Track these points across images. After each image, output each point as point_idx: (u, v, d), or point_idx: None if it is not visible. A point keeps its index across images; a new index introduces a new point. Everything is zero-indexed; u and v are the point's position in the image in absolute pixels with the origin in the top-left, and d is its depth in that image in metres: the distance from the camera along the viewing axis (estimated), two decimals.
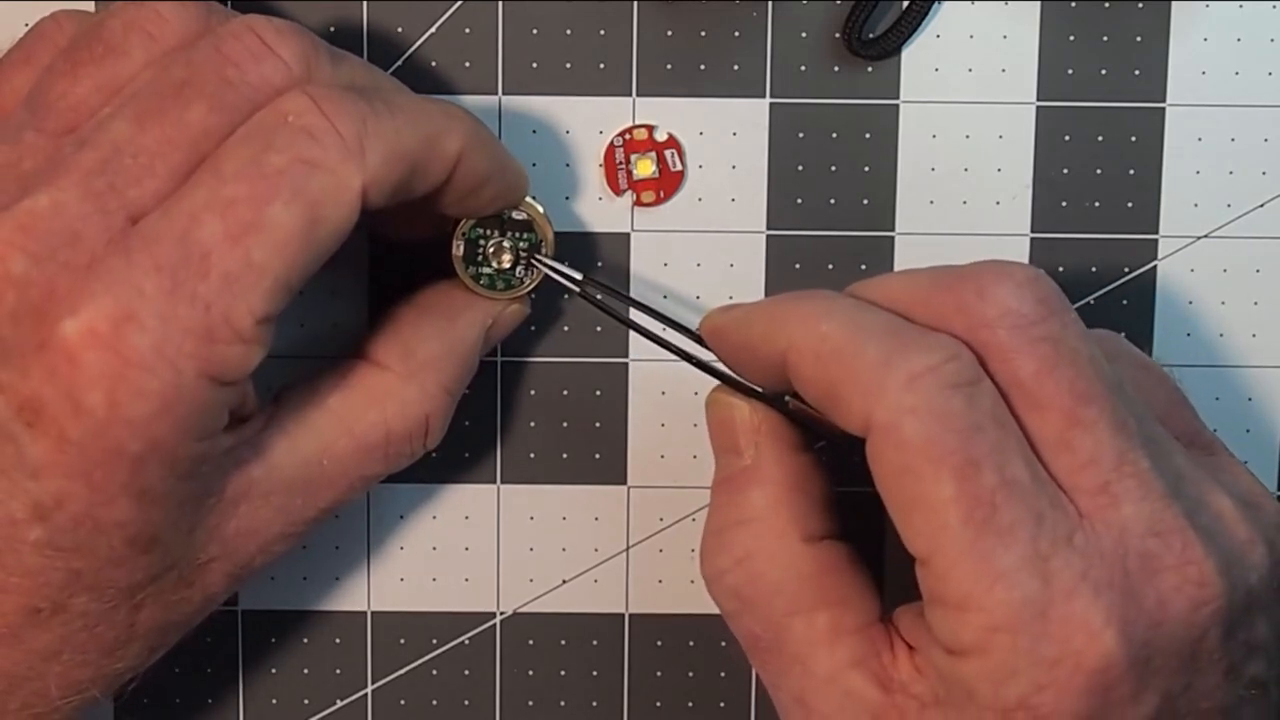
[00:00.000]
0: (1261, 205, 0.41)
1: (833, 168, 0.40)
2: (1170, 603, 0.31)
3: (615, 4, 0.40)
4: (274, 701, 0.42)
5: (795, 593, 0.34)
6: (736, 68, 0.40)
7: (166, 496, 0.32)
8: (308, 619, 0.42)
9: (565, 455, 0.41)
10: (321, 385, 0.36)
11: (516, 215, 0.38)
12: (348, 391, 0.36)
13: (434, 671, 0.42)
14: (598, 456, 0.41)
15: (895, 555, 0.34)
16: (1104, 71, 0.40)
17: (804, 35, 0.40)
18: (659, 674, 0.42)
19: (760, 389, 0.36)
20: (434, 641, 0.42)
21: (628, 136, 0.40)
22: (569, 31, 0.40)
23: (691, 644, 0.42)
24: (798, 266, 0.41)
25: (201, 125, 0.32)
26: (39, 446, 0.31)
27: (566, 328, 0.41)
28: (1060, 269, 0.41)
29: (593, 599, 0.42)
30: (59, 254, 0.31)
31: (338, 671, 0.42)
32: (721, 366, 0.36)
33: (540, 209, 0.38)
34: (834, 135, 0.40)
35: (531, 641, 0.42)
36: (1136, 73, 0.40)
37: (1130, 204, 0.41)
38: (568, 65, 0.40)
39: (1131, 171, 0.41)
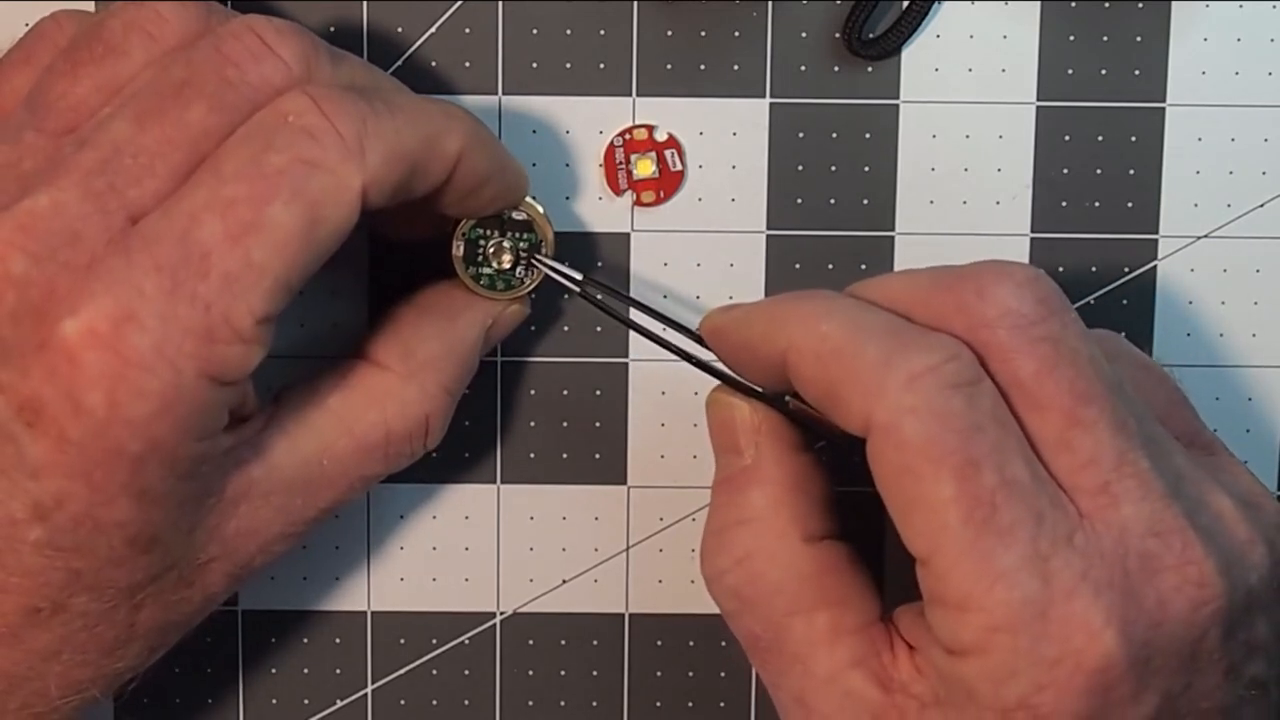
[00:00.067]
0: (1261, 205, 0.41)
1: (833, 168, 0.40)
2: (1170, 603, 0.31)
3: (615, 4, 0.40)
4: (274, 701, 0.42)
5: (795, 593, 0.34)
6: (736, 68, 0.40)
7: (166, 496, 0.32)
8: (308, 619, 0.42)
9: (565, 455, 0.41)
10: (321, 385, 0.36)
11: (516, 215, 0.38)
12: (348, 391, 0.36)
13: (434, 671, 0.42)
14: (598, 456, 0.41)
15: (895, 555, 0.34)
16: (1104, 71, 0.40)
17: (804, 35, 0.40)
18: (659, 674, 0.42)
19: (760, 389, 0.36)
20: (434, 641, 0.42)
21: (628, 136, 0.40)
22: (569, 31, 0.40)
23: (691, 644, 0.42)
24: (798, 266, 0.41)
25: (201, 125, 0.32)
26: (39, 446, 0.31)
27: (566, 328, 0.41)
28: (1060, 269, 0.41)
29: (593, 599, 0.42)
30: (59, 254, 0.31)
31: (338, 671, 0.42)
32: (721, 366, 0.36)
33: (540, 209, 0.38)
34: (834, 135, 0.40)
35: (531, 641, 0.42)
36: (1136, 73, 0.40)
37: (1130, 204, 0.41)
38: (568, 65, 0.40)
39: (1131, 171, 0.41)
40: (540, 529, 0.42)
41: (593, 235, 0.41)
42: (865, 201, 0.41)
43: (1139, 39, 0.40)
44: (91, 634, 0.34)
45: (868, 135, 0.40)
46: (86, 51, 0.34)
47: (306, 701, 0.42)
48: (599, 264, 0.41)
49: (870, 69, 0.40)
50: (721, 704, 0.42)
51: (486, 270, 0.38)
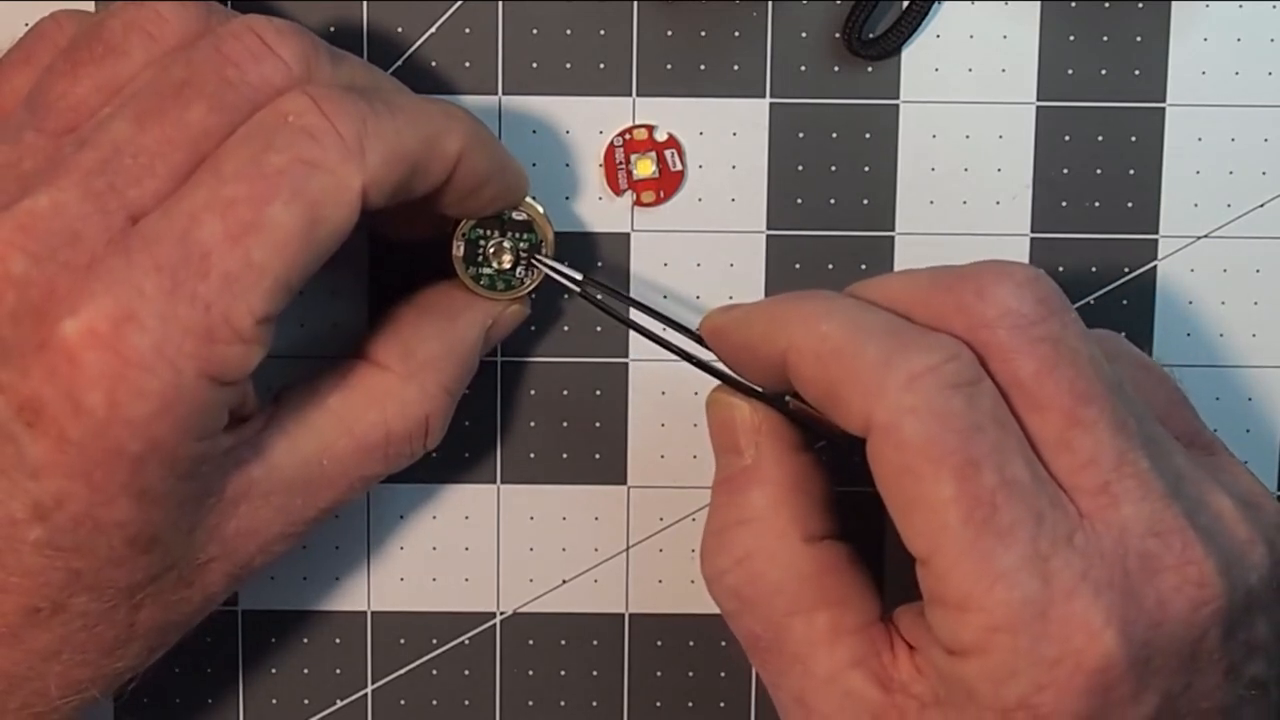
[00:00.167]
0: (1261, 205, 0.41)
1: (833, 168, 0.40)
2: (1170, 603, 0.31)
3: (615, 4, 0.40)
4: (274, 701, 0.42)
5: (795, 593, 0.34)
6: (736, 68, 0.40)
7: (166, 496, 0.32)
8: (308, 619, 0.42)
9: (565, 455, 0.41)
10: (321, 385, 0.36)
11: (516, 215, 0.38)
12: (348, 391, 0.36)
13: (434, 671, 0.42)
14: (598, 456, 0.41)
15: (895, 555, 0.34)
16: (1104, 71, 0.40)
17: (804, 35, 0.40)
18: (659, 674, 0.42)
19: (760, 389, 0.36)
20: (434, 641, 0.42)
21: (628, 136, 0.40)
22: (569, 31, 0.40)
23: (691, 644, 0.42)
24: (798, 266, 0.41)
25: (201, 125, 0.32)
26: (39, 446, 0.31)
27: (566, 328, 0.41)
28: (1060, 269, 0.41)
29: (593, 599, 0.42)
30: (59, 254, 0.31)
31: (338, 671, 0.42)
32: (721, 366, 0.36)
33: (540, 209, 0.38)
34: (834, 135, 0.40)
35: (531, 641, 0.42)
36: (1136, 73, 0.40)
37: (1130, 204, 0.41)
38: (568, 65, 0.40)
39: (1131, 171, 0.41)
40: (540, 529, 0.42)
41: (593, 235, 0.41)
42: (865, 201, 0.41)
43: (1139, 39, 0.40)
44: (91, 634, 0.34)
45: (868, 135, 0.40)
46: (86, 51, 0.34)
47: (306, 701, 0.42)
48: (599, 264, 0.41)
49: (870, 69, 0.40)
50: (721, 704, 0.42)
51: (486, 270, 0.38)
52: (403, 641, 0.42)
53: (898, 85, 0.40)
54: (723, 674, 0.42)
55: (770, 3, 0.40)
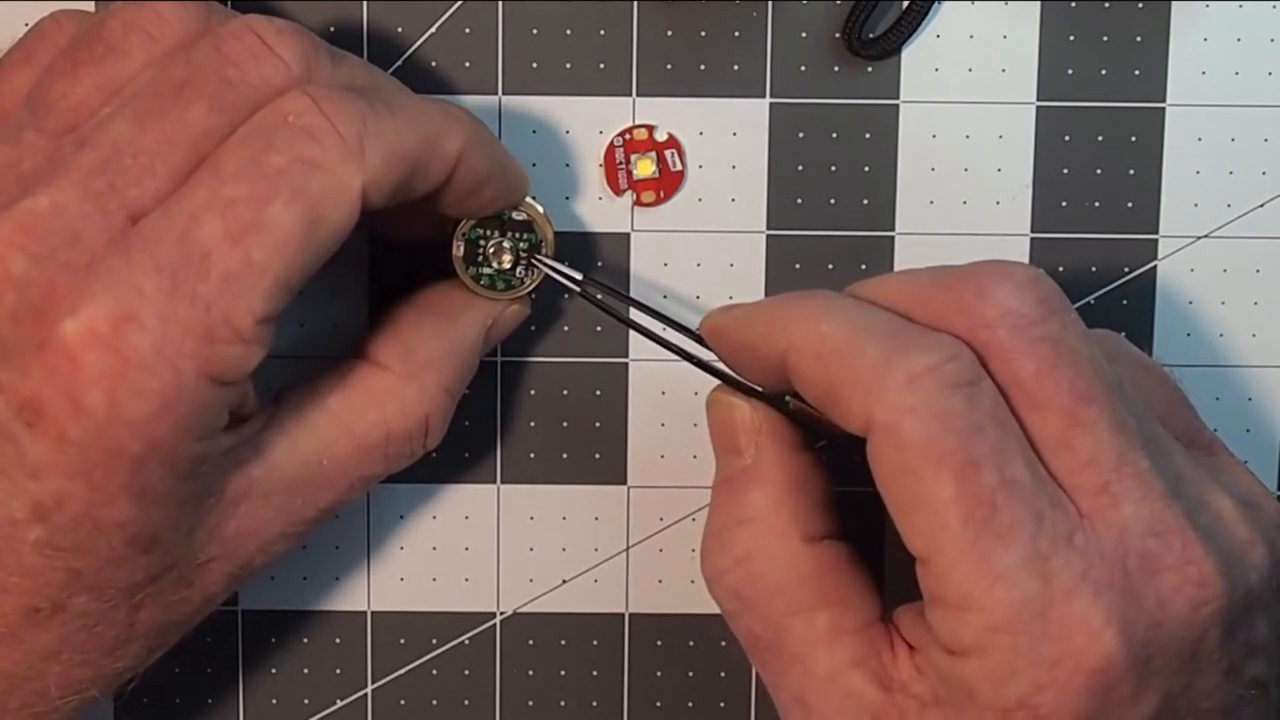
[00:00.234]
0: (1261, 205, 0.41)
1: (833, 168, 0.40)
2: (1170, 603, 0.31)
3: (615, 4, 0.40)
4: (274, 701, 0.42)
5: (795, 593, 0.34)
6: (736, 68, 0.40)
7: (166, 496, 0.32)
8: (308, 619, 0.42)
9: (565, 455, 0.41)
10: (321, 385, 0.36)
11: (516, 215, 0.38)
12: (348, 391, 0.36)
13: (434, 671, 0.42)
14: (598, 456, 0.41)
15: (895, 555, 0.34)
16: (1104, 71, 0.40)
17: (804, 35, 0.40)
18: (659, 674, 0.42)
19: (760, 389, 0.36)
20: (434, 641, 0.42)
21: (628, 136, 0.40)
22: (569, 31, 0.40)
23: (691, 644, 0.42)
24: (798, 266, 0.41)
25: (201, 125, 0.32)
26: (39, 446, 0.31)
27: (566, 328, 0.41)
28: (1060, 269, 0.41)
29: (593, 599, 0.42)
30: (59, 254, 0.31)
31: (338, 671, 0.42)
32: (722, 366, 0.36)
33: (540, 209, 0.38)
34: (834, 135, 0.40)
35: (531, 641, 0.42)
36: (1136, 73, 0.40)
37: (1130, 204, 0.41)
38: (568, 65, 0.40)
39: (1131, 171, 0.41)
40: (540, 529, 0.42)
41: (593, 235, 0.41)
42: (865, 201, 0.41)
43: (1139, 39, 0.40)
44: (91, 634, 0.34)
45: (868, 135, 0.40)
46: (86, 51, 0.34)
47: (306, 701, 0.42)
48: (599, 264, 0.41)
49: (870, 69, 0.40)
50: (721, 704, 0.42)
51: (486, 270, 0.38)
52: (403, 641, 0.42)
53: (898, 85, 0.40)
54: (723, 674, 0.42)
55: (770, 3, 0.40)
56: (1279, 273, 0.41)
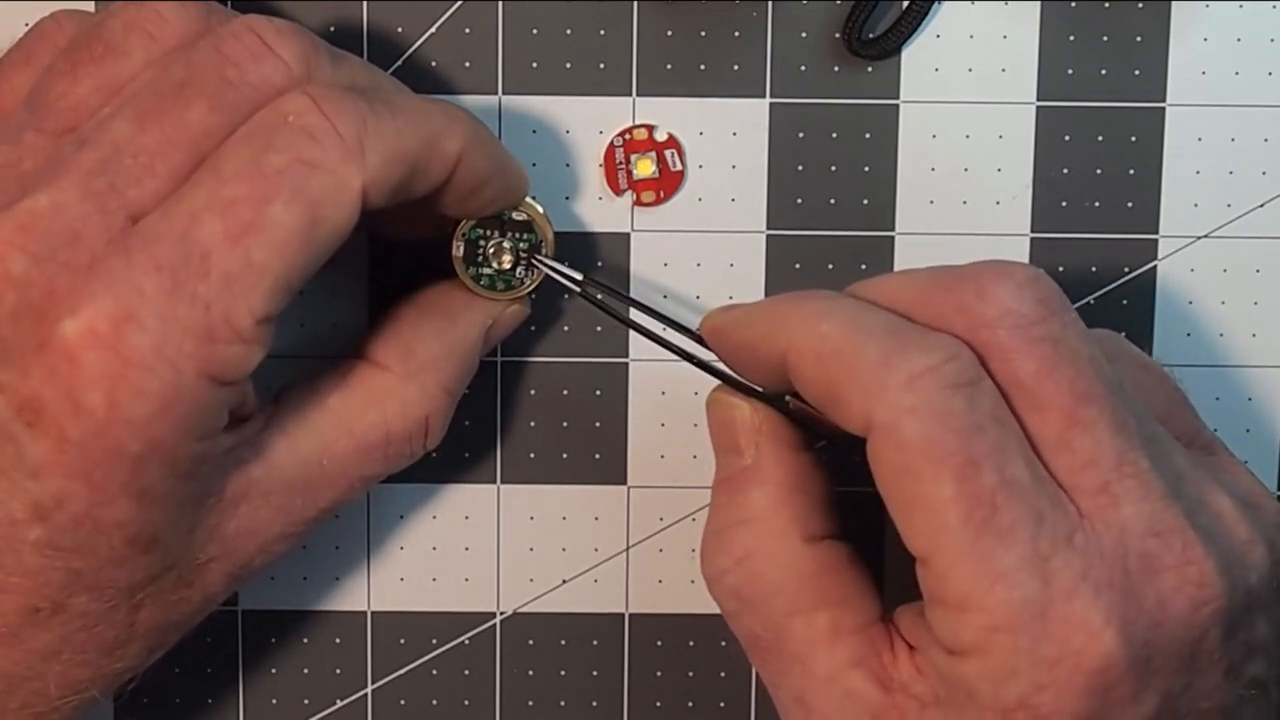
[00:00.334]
0: (1261, 205, 0.41)
1: (833, 168, 0.40)
2: (1170, 603, 0.31)
3: (615, 4, 0.40)
4: (274, 701, 0.42)
5: (795, 593, 0.34)
6: (736, 68, 0.40)
7: (166, 496, 0.32)
8: (308, 619, 0.42)
9: (565, 455, 0.41)
10: (321, 385, 0.36)
11: (516, 216, 0.38)
12: (348, 391, 0.36)
13: (434, 671, 0.42)
14: (598, 456, 0.41)
15: (895, 555, 0.34)
16: (1104, 71, 0.40)
17: (804, 35, 0.40)
18: (659, 674, 0.42)
19: (760, 389, 0.36)
20: (434, 641, 0.42)
21: (628, 136, 0.40)
22: (569, 31, 0.40)
23: (691, 644, 0.42)
24: (798, 266, 0.41)
25: (201, 125, 0.32)
26: (39, 446, 0.31)
27: (566, 328, 0.41)
28: (1060, 269, 0.41)
29: (593, 599, 0.42)
30: (59, 254, 0.31)
31: (338, 671, 0.42)
32: (722, 366, 0.36)
33: (540, 209, 0.38)
34: (834, 135, 0.40)
35: (531, 641, 0.42)
36: (1136, 73, 0.40)
37: (1130, 204, 0.41)
38: (568, 65, 0.40)
39: (1131, 171, 0.41)
40: (540, 529, 0.42)
41: (593, 235, 0.41)
42: (865, 201, 0.41)
43: (1139, 39, 0.40)
44: (91, 634, 0.34)
45: (868, 135, 0.40)
46: (86, 51, 0.34)
47: (306, 701, 0.42)
48: (599, 264, 0.41)
49: (870, 69, 0.40)
50: (721, 704, 0.42)
51: (486, 270, 0.38)
52: (403, 641, 0.42)
53: (898, 85, 0.40)
54: (723, 674, 0.42)
55: (770, 3, 0.40)
56: (1279, 273, 0.41)
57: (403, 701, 0.42)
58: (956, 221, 0.41)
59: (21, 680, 0.34)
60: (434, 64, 0.40)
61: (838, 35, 0.40)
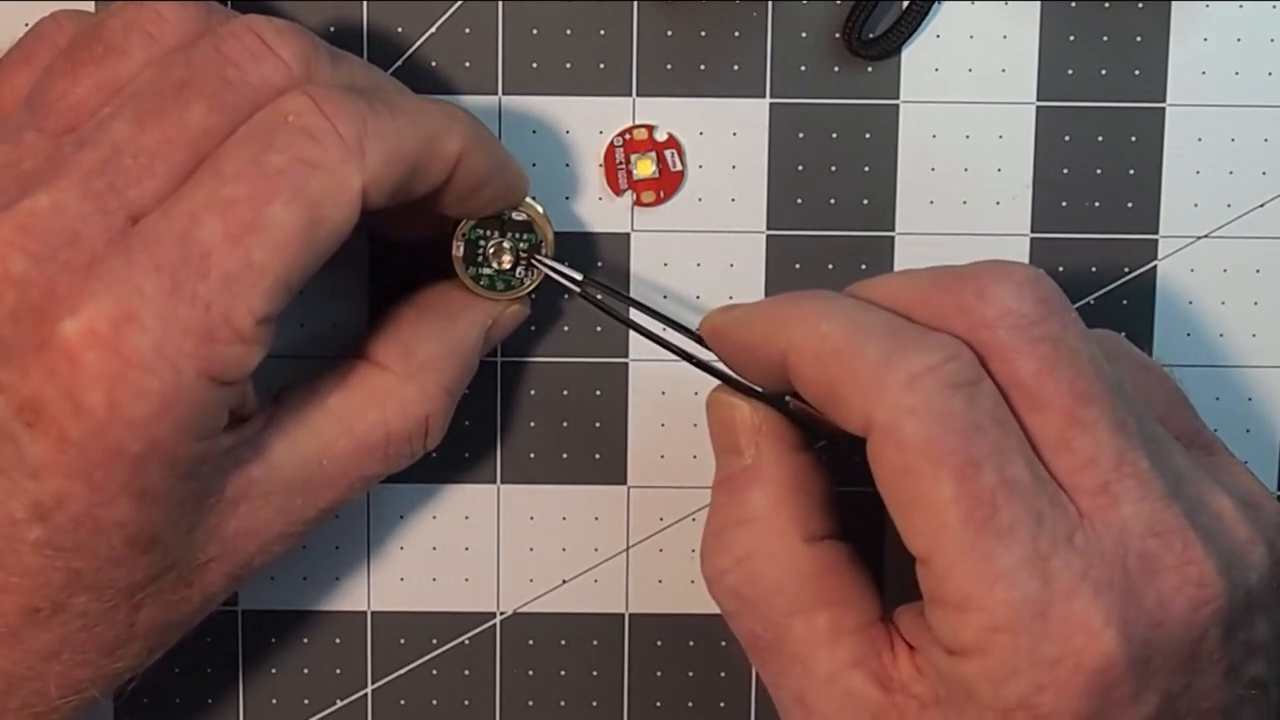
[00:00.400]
0: (1261, 205, 0.41)
1: (833, 168, 0.40)
2: (1170, 603, 0.31)
3: (615, 4, 0.40)
4: (274, 701, 0.42)
5: (795, 593, 0.34)
6: (736, 68, 0.40)
7: (166, 496, 0.32)
8: (308, 619, 0.42)
9: (565, 455, 0.41)
10: (321, 385, 0.36)
11: (516, 216, 0.38)
12: (348, 392, 0.36)
13: (434, 671, 0.42)
14: (598, 456, 0.41)
15: (895, 555, 0.34)
16: (1104, 71, 0.40)
17: (804, 35, 0.40)
18: (659, 674, 0.42)
19: (760, 389, 0.36)
20: (434, 641, 0.42)
21: (628, 136, 0.40)
22: (569, 31, 0.40)
23: (691, 644, 0.42)
24: (798, 266, 0.41)
25: (201, 125, 0.32)
26: (39, 446, 0.31)
27: (566, 328, 0.41)
28: (1060, 269, 0.41)
29: (593, 599, 0.42)
30: (59, 254, 0.31)
31: (338, 671, 0.42)
32: (722, 366, 0.36)
33: (540, 209, 0.38)
34: (834, 135, 0.40)
35: (531, 641, 0.42)
36: (1136, 73, 0.40)
37: (1130, 204, 0.41)
38: (568, 65, 0.40)
39: (1131, 171, 0.41)
40: (540, 529, 0.42)
41: (593, 235, 0.41)
42: (865, 201, 0.41)
43: (1139, 39, 0.40)
44: (91, 634, 0.34)
45: (868, 135, 0.40)
46: (86, 51, 0.34)
47: (306, 701, 0.42)
48: (599, 264, 0.41)
49: (870, 69, 0.40)
50: (721, 704, 0.42)
51: (486, 270, 0.38)
52: (403, 641, 0.42)
53: (898, 85, 0.40)
54: (723, 674, 0.42)
55: (770, 3, 0.40)
56: (1279, 273, 0.41)
57: (403, 701, 0.42)
58: (956, 221, 0.41)
59: (21, 680, 0.34)
60: (434, 64, 0.40)
61: (838, 35, 0.40)
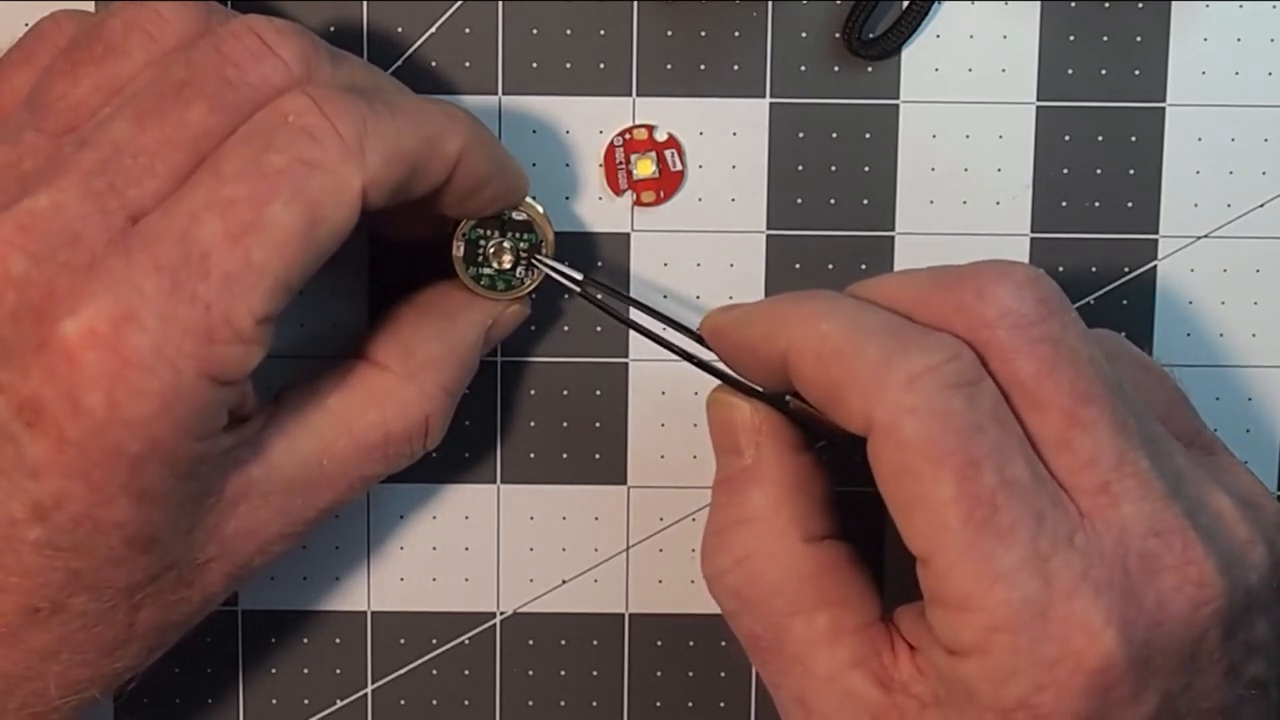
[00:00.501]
0: (1261, 205, 0.41)
1: (833, 168, 0.40)
2: (1170, 603, 0.31)
3: (615, 4, 0.40)
4: (274, 701, 0.42)
5: (795, 593, 0.34)
6: (736, 68, 0.40)
7: (166, 496, 0.32)
8: (308, 619, 0.42)
9: (565, 455, 0.41)
10: (321, 385, 0.36)
11: (516, 216, 0.38)
12: (347, 392, 0.36)
13: (434, 671, 0.42)
14: (598, 456, 0.41)
15: (895, 555, 0.34)
16: (1104, 71, 0.40)
17: (804, 35, 0.40)
18: (659, 674, 0.42)
19: (761, 389, 0.36)
20: (434, 641, 0.42)
21: (628, 136, 0.40)
22: (569, 31, 0.40)
23: (691, 644, 0.42)
24: (798, 266, 0.41)
25: (201, 125, 0.32)
26: (38, 446, 0.31)
27: (566, 328, 0.41)
28: (1060, 269, 0.41)
29: (593, 599, 0.42)
30: (59, 254, 0.31)
31: (338, 671, 0.42)
32: (722, 366, 0.36)
33: (540, 209, 0.38)
34: (834, 135, 0.40)
35: (531, 641, 0.42)
36: (1136, 73, 0.40)
37: (1130, 204, 0.41)
38: (568, 65, 0.40)
39: (1131, 171, 0.41)
40: (540, 529, 0.42)
41: (593, 235, 0.41)
42: (865, 201, 0.41)
43: (1139, 39, 0.40)
44: (90, 634, 0.34)
45: (868, 135, 0.40)
46: (86, 51, 0.34)
47: (306, 701, 0.42)
48: (599, 264, 0.41)
49: (870, 69, 0.40)
50: (721, 704, 0.42)
51: (487, 270, 0.38)
52: (403, 641, 0.42)
53: (898, 85, 0.40)
54: (723, 674, 0.42)
55: (770, 3, 0.40)
56: (1279, 273, 0.41)
57: (403, 701, 0.42)
58: (956, 221, 0.41)
59: (21, 680, 0.34)
60: (434, 64, 0.40)
61: (838, 35, 0.40)
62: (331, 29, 0.40)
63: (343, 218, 0.33)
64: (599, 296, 0.38)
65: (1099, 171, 0.41)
